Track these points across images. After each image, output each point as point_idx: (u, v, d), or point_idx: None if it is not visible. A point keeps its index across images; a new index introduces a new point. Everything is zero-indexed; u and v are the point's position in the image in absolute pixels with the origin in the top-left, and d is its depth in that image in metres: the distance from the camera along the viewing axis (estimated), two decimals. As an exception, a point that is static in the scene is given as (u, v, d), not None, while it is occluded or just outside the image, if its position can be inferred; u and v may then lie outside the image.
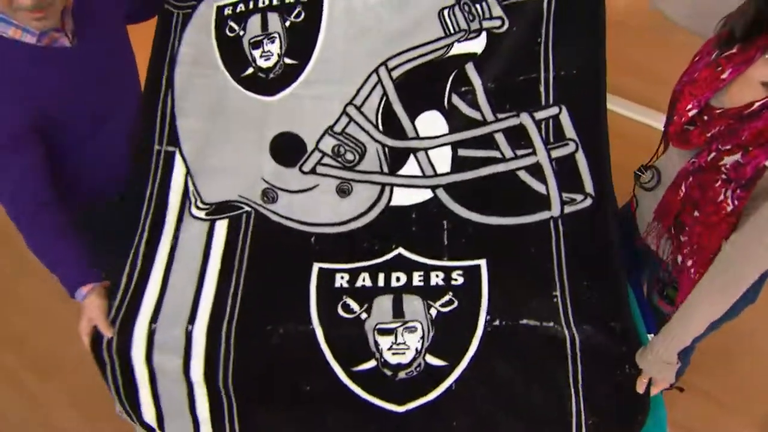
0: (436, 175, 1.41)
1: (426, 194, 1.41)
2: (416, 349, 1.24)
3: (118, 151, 1.42)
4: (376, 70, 1.40)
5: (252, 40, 1.43)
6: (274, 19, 1.42)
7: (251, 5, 1.43)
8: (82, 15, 1.28)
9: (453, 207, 1.39)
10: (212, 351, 1.27)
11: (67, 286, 1.33)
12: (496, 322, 1.24)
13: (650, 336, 1.24)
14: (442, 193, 1.40)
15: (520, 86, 1.40)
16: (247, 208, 1.41)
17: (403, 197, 1.41)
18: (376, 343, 1.25)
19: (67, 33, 1.25)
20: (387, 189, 1.41)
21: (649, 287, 1.40)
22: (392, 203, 1.40)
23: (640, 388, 1.18)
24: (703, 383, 1.89)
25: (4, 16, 1.15)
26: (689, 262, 1.19)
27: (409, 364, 1.24)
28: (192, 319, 1.29)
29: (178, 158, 1.44)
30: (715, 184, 1.10)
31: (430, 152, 1.41)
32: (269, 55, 1.42)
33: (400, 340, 1.24)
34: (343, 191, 1.40)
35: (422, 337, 1.24)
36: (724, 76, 1.10)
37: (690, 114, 1.14)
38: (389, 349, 1.24)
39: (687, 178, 1.16)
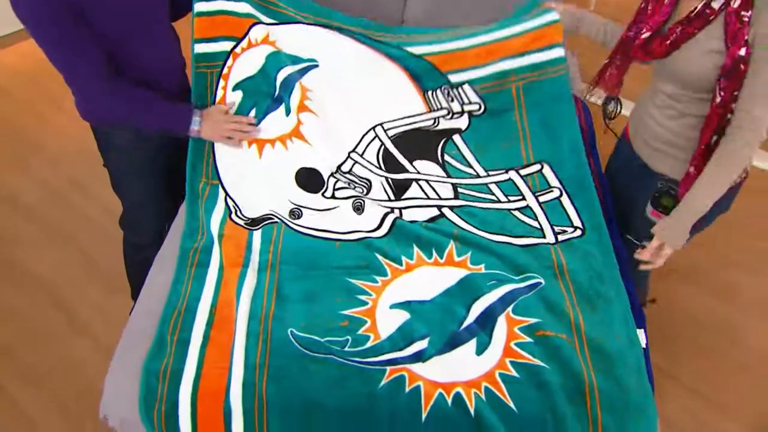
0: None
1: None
2: None
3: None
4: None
5: None
6: None
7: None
8: None
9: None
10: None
11: (181, 126, 1.56)
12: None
13: (640, 332, 1.29)
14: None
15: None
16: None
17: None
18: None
19: None
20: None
21: (646, 204, 1.51)
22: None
23: (646, 254, 1.35)
24: (690, 380, 1.91)
25: None
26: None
27: None
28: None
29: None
30: None
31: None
32: None
33: None
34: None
35: None
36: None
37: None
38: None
39: None
